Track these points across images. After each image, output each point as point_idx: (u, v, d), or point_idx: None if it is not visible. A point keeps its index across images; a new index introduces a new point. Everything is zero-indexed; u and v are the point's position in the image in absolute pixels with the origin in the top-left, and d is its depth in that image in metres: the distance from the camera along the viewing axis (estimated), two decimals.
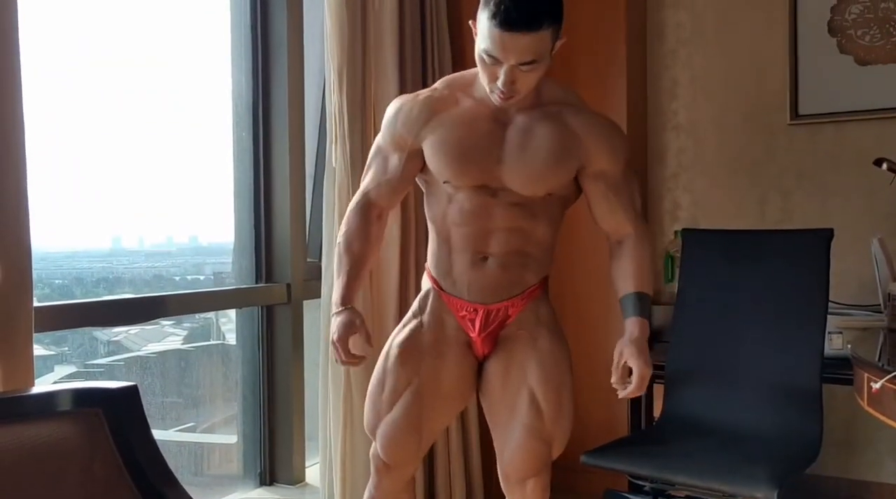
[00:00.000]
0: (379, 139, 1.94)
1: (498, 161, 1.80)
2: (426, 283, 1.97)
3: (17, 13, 1.49)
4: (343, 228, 1.93)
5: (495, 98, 1.74)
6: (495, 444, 1.94)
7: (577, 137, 1.81)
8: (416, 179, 1.95)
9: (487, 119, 1.82)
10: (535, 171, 1.79)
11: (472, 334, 1.90)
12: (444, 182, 1.84)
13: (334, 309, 1.86)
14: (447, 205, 1.86)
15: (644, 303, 1.87)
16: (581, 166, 1.84)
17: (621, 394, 1.82)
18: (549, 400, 1.87)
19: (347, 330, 1.82)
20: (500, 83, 1.69)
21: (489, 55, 1.67)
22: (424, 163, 1.89)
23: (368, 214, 1.92)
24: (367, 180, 1.94)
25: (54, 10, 1.94)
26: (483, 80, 1.74)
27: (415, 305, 1.96)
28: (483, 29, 1.67)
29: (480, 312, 1.87)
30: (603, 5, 2.94)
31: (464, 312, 1.89)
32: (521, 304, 1.89)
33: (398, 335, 1.93)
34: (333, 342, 1.83)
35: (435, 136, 1.82)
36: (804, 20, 2.90)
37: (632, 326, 1.84)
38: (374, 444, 1.95)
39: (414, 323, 1.93)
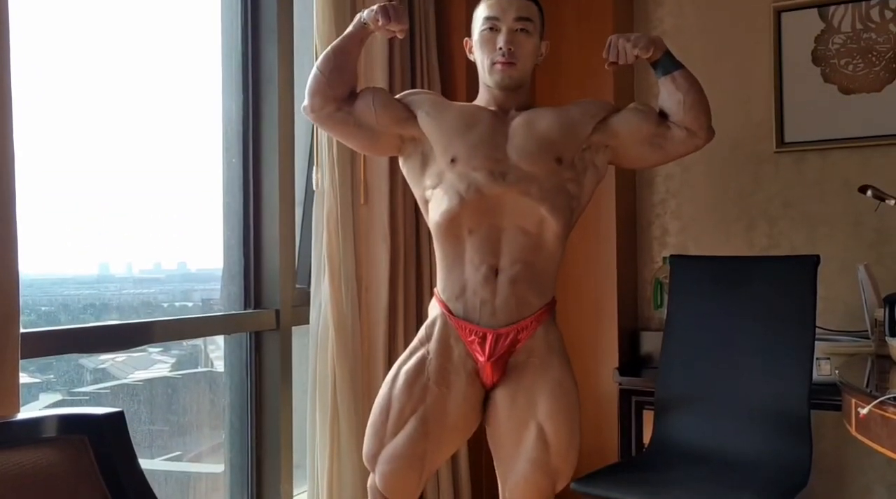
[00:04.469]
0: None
1: (503, 143, 1.90)
2: (434, 309, 1.96)
3: (9, 42, 1.49)
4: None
5: (497, 70, 1.91)
6: (498, 474, 1.92)
7: (574, 116, 1.96)
8: (420, 193, 1.96)
9: (489, 115, 1.94)
10: (543, 136, 1.90)
11: (480, 359, 1.88)
12: (452, 161, 1.87)
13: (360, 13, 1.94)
14: (459, 207, 1.85)
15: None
16: (593, 139, 1.95)
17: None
18: (559, 435, 1.85)
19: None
20: (500, 43, 1.88)
21: (489, 19, 1.91)
22: (415, 172, 1.96)
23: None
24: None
25: (46, 35, 1.95)
26: (483, 60, 1.93)
27: (421, 332, 1.95)
28: (480, 10, 1.93)
29: (490, 337, 1.87)
30: (590, 34, 2.97)
31: (472, 337, 1.88)
32: (530, 328, 1.88)
33: (405, 363, 1.91)
34: (388, 5, 1.90)
35: (437, 115, 1.94)
36: (789, 50, 2.94)
37: None
38: (371, 476, 1.92)
39: (421, 351, 1.91)
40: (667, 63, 1.91)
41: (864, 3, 2.85)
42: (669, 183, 3.14)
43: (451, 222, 1.87)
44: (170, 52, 2.32)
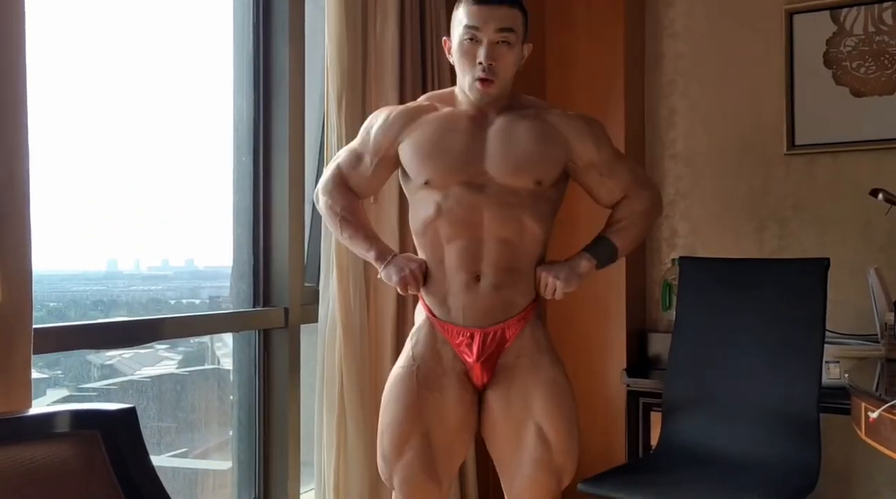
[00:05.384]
0: (355, 143, 2.02)
1: (481, 155, 1.86)
2: (420, 314, 1.96)
3: (24, 41, 1.50)
4: (328, 198, 1.98)
5: (476, 89, 1.84)
6: (501, 478, 1.92)
7: (558, 132, 1.90)
8: (408, 196, 1.97)
9: (467, 121, 1.90)
10: (522, 155, 1.85)
11: (469, 360, 1.89)
12: (426, 183, 1.86)
13: (381, 263, 1.91)
14: (436, 217, 1.86)
15: (603, 249, 1.93)
16: (569, 161, 1.91)
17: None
18: (558, 432, 1.85)
19: (415, 262, 1.90)
20: (480, 57, 1.80)
21: (469, 28, 1.81)
22: (404, 173, 1.95)
23: (351, 193, 2.00)
24: (340, 161, 2.01)
25: (58, 40, 1.95)
26: (463, 73, 1.86)
27: (408, 342, 1.96)
28: (461, 15, 1.83)
29: (477, 337, 1.87)
30: (602, 34, 2.98)
31: (460, 339, 1.88)
32: (516, 326, 1.89)
33: (396, 383, 1.92)
34: (408, 275, 1.87)
35: (412, 137, 1.90)
36: (800, 52, 2.94)
37: (576, 257, 1.93)
38: (394, 493, 1.93)
39: (410, 363, 1.92)
40: (606, 263, 1.97)
41: (876, 5, 2.84)
42: (679, 184, 3.14)
43: (429, 230, 1.89)
44: (181, 49, 2.32)
